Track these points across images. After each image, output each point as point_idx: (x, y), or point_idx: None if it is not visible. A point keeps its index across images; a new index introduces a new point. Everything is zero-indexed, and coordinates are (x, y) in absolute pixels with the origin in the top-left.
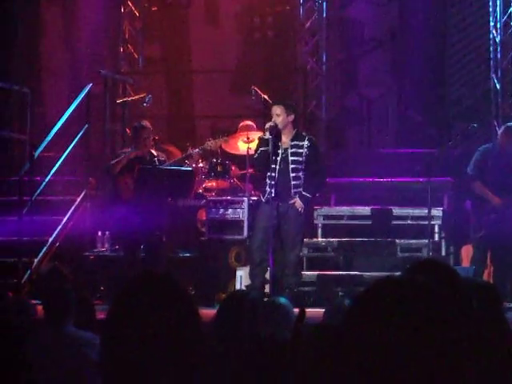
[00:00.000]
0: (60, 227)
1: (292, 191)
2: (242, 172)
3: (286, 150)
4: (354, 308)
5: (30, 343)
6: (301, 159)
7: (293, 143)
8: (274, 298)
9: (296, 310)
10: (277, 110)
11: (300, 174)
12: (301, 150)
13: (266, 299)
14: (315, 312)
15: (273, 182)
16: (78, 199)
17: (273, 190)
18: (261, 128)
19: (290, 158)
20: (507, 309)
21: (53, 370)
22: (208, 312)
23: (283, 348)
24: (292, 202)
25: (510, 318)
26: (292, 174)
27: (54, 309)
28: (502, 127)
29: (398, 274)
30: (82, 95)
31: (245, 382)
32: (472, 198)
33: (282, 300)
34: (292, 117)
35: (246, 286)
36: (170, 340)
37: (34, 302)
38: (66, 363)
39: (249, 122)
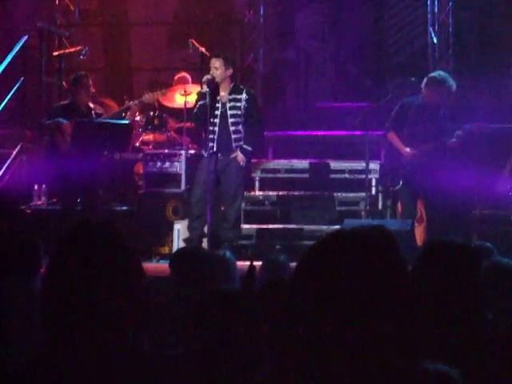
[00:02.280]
0: None
1: (233, 145)
2: (180, 125)
3: (224, 103)
4: (303, 263)
5: None
6: (239, 112)
7: (231, 97)
8: (219, 252)
9: (240, 264)
10: (215, 63)
11: (239, 127)
12: (239, 104)
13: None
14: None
15: (213, 136)
16: (14, 152)
17: (214, 144)
18: (198, 81)
19: (229, 112)
20: None
21: (22, 321)
22: (147, 265)
23: (234, 301)
24: (233, 155)
25: None
26: (232, 128)
27: (21, 263)
28: (425, 78)
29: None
30: (18, 47)
31: (198, 332)
32: (387, 148)
33: (228, 254)
34: (230, 70)
35: (184, 240)
36: (114, 290)
37: None
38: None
39: (184, 74)
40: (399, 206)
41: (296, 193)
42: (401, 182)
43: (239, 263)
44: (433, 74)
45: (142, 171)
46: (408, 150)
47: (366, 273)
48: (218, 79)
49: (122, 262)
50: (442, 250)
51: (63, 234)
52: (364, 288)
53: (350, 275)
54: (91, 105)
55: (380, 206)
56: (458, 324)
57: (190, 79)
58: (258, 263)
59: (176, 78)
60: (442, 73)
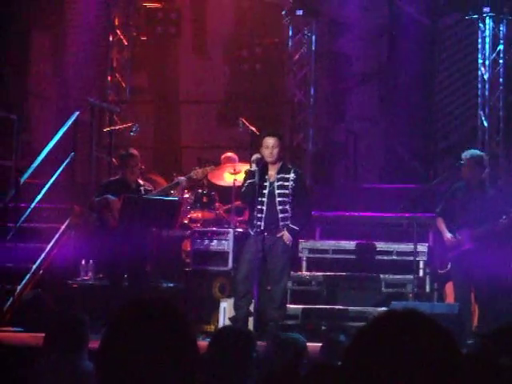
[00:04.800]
0: (44, 255)
1: (280, 224)
2: (227, 207)
3: (272, 182)
4: (353, 345)
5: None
6: (287, 192)
7: (279, 176)
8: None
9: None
10: (271, 142)
11: (287, 206)
12: (287, 183)
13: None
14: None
15: (260, 215)
16: (63, 227)
17: (261, 223)
18: (246, 160)
19: (277, 191)
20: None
21: None
22: None
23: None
24: (280, 234)
25: None
26: (279, 207)
27: (67, 339)
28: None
29: (385, 309)
30: (69, 123)
31: None
32: (436, 234)
33: (296, 336)
34: (282, 150)
35: (230, 318)
36: (169, 369)
37: (14, 329)
38: None
39: (230, 154)
40: (447, 288)
41: (343, 273)
42: (449, 265)
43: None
44: (469, 152)
45: (189, 248)
46: (450, 235)
47: (419, 356)
48: (273, 158)
49: (180, 343)
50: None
51: (120, 310)
52: (417, 372)
53: (402, 358)
54: (140, 181)
55: (427, 289)
56: None
57: (236, 159)
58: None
59: (222, 157)
60: (473, 150)
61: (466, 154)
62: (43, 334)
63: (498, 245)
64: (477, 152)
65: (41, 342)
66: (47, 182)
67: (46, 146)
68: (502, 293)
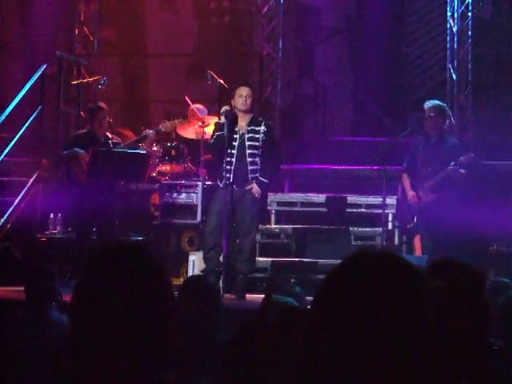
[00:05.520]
0: (12, 208)
1: (249, 176)
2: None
3: (242, 134)
4: (324, 286)
5: (8, 326)
6: (257, 144)
7: (249, 128)
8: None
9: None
10: (246, 92)
11: (257, 159)
12: (257, 135)
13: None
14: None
15: (230, 167)
16: (31, 180)
17: (230, 175)
18: (214, 113)
19: (247, 143)
20: None
21: (33, 356)
22: None
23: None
24: (249, 187)
25: None
26: (249, 159)
27: (37, 291)
28: (425, 106)
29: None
30: (37, 76)
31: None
32: (402, 189)
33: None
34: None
35: (201, 271)
36: (145, 314)
37: None
38: (48, 349)
39: (198, 105)
40: (415, 241)
41: (312, 226)
42: (415, 220)
43: (254, 296)
44: (431, 102)
45: (158, 202)
46: (412, 193)
47: (391, 294)
48: (247, 107)
49: (155, 285)
50: (446, 267)
51: (91, 256)
52: (388, 314)
53: (373, 302)
54: (109, 134)
55: (396, 242)
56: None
57: (205, 110)
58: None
59: (190, 108)
60: (438, 102)
61: (428, 103)
62: (13, 288)
63: (455, 193)
64: (438, 102)
65: (10, 295)
66: (15, 136)
67: (13, 99)
68: (461, 241)
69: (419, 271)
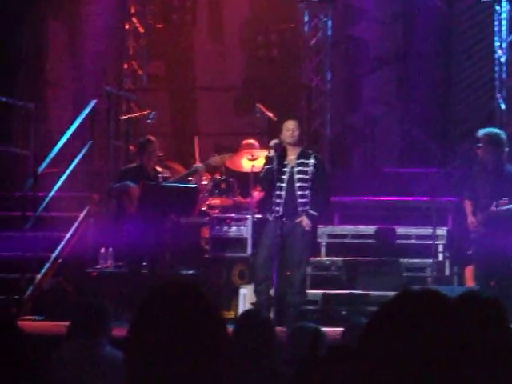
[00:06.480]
0: (63, 243)
1: (299, 209)
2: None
3: (292, 167)
4: (369, 328)
5: (55, 363)
6: (307, 177)
7: (299, 161)
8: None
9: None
10: (292, 125)
11: (306, 191)
12: (307, 168)
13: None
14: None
15: (280, 200)
16: (81, 215)
17: (280, 209)
18: (264, 146)
19: (296, 176)
20: None
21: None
22: None
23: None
24: (299, 220)
25: None
26: (298, 192)
27: (89, 325)
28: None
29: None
30: (86, 111)
31: None
32: (460, 217)
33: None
34: (301, 134)
35: (252, 304)
36: (199, 353)
37: (36, 317)
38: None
39: (251, 140)
40: (466, 272)
41: (362, 258)
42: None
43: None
44: (485, 131)
45: (208, 235)
46: (472, 219)
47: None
48: (294, 141)
49: (209, 324)
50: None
51: (147, 295)
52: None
53: (418, 339)
54: (158, 168)
55: (447, 273)
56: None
57: (257, 145)
58: (322, 328)
59: (243, 143)
60: (494, 130)
61: (481, 131)
62: (64, 323)
63: (504, 227)
64: (492, 130)
65: (62, 330)
66: (65, 171)
67: (63, 135)
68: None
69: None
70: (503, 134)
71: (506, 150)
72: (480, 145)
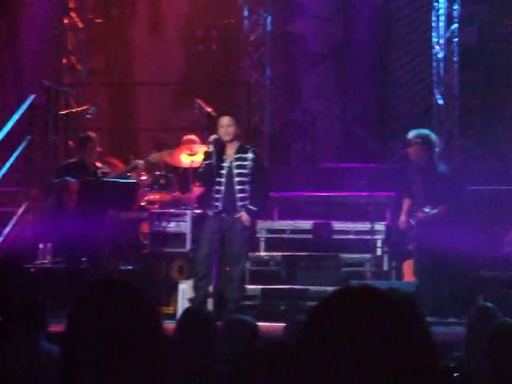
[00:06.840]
0: (1, 239)
1: (238, 204)
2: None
3: (230, 162)
4: (308, 323)
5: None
6: (246, 171)
7: (237, 156)
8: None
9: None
10: (227, 121)
11: (246, 186)
12: (245, 163)
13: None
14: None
15: (219, 196)
16: (20, 210)
17: (219, 204)
18: (204, 141)
19: (235, 171)
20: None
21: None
22: None
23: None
24: (238, 215)
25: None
26: (237, 187)
27: (27, 322)
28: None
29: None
30: (25, 106)
31: None
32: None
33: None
34: (238, 129)
35: (189, 299)
36: (134, 349)
37: None
38: (38, 381)
39: (192, 136)
40: (404, 267)
41: (301, 253)
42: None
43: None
44: (415, 132)
45: (147, 230)
46: (404, 218)
47: (377, 333)
48: (229, 137)
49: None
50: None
51: (83, 291)
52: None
53: (359, 334)
54: (98, 164)
55: (386, 267)
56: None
57: (198, 141)
58: (262, 324)
59: (184, 139)
60: (423, 131)
61: (411, 133)
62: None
63: (441, 228)
64: (422, 131)
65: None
66: (3, 167)
67: (1, 129)
68: (450, 267)
69: (396, 305)
70: (433, 135)
71: (437, 150)
72: (410, 147)
